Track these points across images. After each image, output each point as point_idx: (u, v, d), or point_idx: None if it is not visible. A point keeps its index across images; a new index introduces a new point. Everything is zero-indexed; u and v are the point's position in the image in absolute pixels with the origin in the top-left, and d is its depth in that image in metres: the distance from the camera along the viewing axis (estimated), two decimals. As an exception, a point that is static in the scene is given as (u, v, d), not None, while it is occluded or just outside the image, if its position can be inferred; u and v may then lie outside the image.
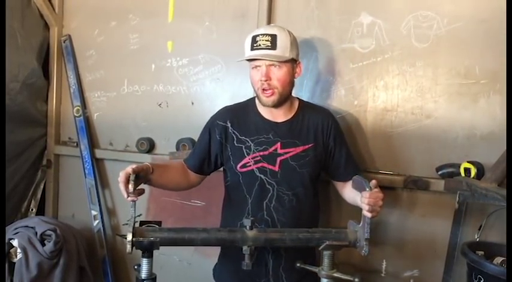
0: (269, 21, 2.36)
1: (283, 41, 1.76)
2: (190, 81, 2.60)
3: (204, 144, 1.93)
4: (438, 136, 2.10)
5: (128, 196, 1.55)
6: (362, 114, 2.23)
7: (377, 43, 2.18)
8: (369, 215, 1.51)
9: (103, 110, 2.87)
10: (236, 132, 1.87)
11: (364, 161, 2.23)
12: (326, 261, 1.55)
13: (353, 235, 1.57)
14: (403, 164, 2.16)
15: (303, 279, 1.83)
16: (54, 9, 2.88)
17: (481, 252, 1.84)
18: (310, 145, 1.86)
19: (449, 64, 2.06)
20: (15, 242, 2.37)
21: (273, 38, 1.75)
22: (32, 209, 2.98)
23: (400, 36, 2.14)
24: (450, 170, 2.04)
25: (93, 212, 2.82)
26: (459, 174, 1.99)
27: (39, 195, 3.00)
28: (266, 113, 1.88)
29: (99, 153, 2.85)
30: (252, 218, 1.55)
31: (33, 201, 2.99)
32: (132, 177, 1.53)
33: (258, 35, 1.78)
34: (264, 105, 1.83)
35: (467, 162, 1.98)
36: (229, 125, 1.89)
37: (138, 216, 2.76)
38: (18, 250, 2.35)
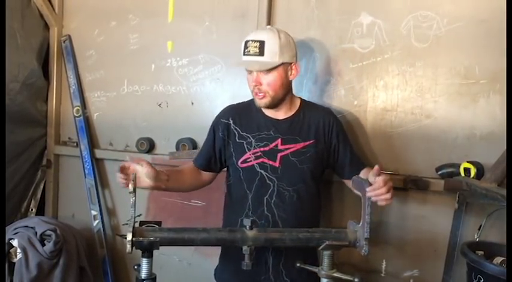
0: (269, 21, 2.36)
1: (271, 47, 1.78)
2: (190, 81, 2.60)
3: (209, 143, 1.99)
4: (438, 136, 2.10)
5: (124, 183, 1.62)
6: (362, 114, 2.23)
7: (377, 43, 2.18)
8: (383, 203, 1.57)
9: (103, 110, 2.87)
10: (238, 129, 1.91)
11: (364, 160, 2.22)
12: (326, 261, 1.55)
13: (353, 235, 1.57)
14: (403, 164, 2.16)
15: (303, 275, 1.83)
16: (54, 9, 2.88)
17: (480, 252, 1.84)
18: (311, 141, 1.88)
19: (449, 64, 2.06)
20: (15, 242, 2.37)
21: (261, 44, 1.78)
22: (32, 209, 2.98)
23: (400, 36, 2.14)
24: (450, 170, 2.04)
25: (93, 212, 2.82)
26: (459, 174, 1.99)
27: (39, 195, 3.00)
28: (267, 110, 1.92)
29: (99, 153, 2.85)
30: (251, 218, 1.55)
31: (33, 201, 2.99)
32: (133, 177, 1.53)
33: (248, 41, 1.83)
34: (258, 106, 1.89)
35: (467, 162, 1.98)
36: (231, 121, 1.93)
37: (138, 216, 2.76)
38: (18, 250, 2.35)
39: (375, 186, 1.53)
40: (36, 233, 2.42)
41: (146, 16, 2.69)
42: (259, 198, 1.86)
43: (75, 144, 2.91)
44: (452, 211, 1.99)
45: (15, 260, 2.35)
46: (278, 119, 1.90)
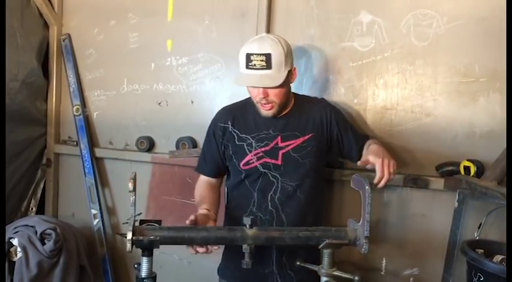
0: (269, 20, 2.36)
1: (277, 58, 1.74)
2: (189, 80, 2.60)
3: (213, 149, 1.97)
4: (438, 134, 2.10)
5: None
6: (362, 113, 2.23)
7: (377, 42, 2.18)
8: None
9: (103, 109, 2.87)
10: (237, 131, 1.91)
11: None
12: (326, 259, 1.55)
13: (353, 233, 1.57)
14: (403, 163, 2.16)
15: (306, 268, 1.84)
16: (53, 8, 2.88)
17: (480, 251, 1.84)
18: (310, 135, 1.89)
19: (449, 62, 2.06)
20: (15, 241, 2.37)
21: (268, 57, 1.72)
22: (32, 208, 2.98)
23: (400, 35, 2.13)
24: (450, 168, 2.04)
25: (93, 211, 2.82)
26: (459, 172, 1.99)
27: (39, 194, 3.00)
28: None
29: (99, 152, 2.85)
30: (252, 217, 1.55)
31: (33, 200, 2.99)
32: (132, 176, 1.53)
33: (252, 54, 1.74)
34: (263, 116, 1.86)
35: (467, 160, 1.97)
36: (229, 124, 1.92)
37: (138, 215, 2.75)
38: (18, 249, 2.35)
39: (379, 176, 1.63)
40: (36, 232, 2.42)
41: (146, 15, 2.69)
42: (264, 194, 1.87)
43: (75, 143, 2.91)
44: (452, 209, 1.99)
45: (15, 259, 2.35)
46: (276, 117, 1.89)
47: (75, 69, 2.88)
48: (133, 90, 2.76)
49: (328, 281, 1.55)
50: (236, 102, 2.05)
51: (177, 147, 2.59)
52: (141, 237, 1.44)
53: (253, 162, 1.87)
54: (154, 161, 2.70)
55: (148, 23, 2.69)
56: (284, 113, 1.91)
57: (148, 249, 1.48)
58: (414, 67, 2.12)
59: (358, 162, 1.75)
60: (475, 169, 1.94)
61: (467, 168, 1.96)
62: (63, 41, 2.91)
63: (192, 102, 2.61)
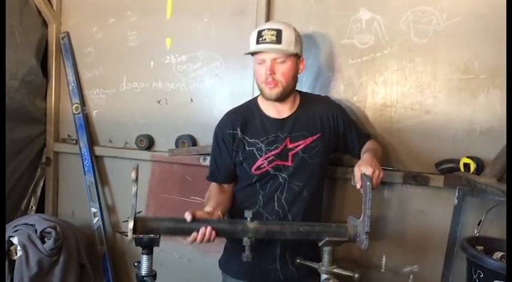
0: (268, 17, 2.36)
1: (288, 36, 1.78)
2: (189, 78, 2.60)
3: (225, 157, 1.93)
4: (437, 131, 2.09)
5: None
6: (361, 110, 2.23)
7: (376, 39, 2.18)
8: None
9: (102, 107, 2.87)
10: (246, 137, 1.89)
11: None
12: (326, 257, 1.56)
13: (353, 230, 1.57)
14: (403, 160, 2.16)
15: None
16: (52, 6, 2.88)
17: (480, 248, 1.84)
18: (318, 135, 1.89)
19: (449, 59, 2.06)
20: (15, 240, 2.37)
21: (279, 32, 1.77)
22: (32, 207, 2.99)
23: (399, 32, 2.13)
24: (449, 165, 2.03)
25: (93, 209, 2.83)
26: (458, 169, 1.99)
27: (38, 193, 3.01)
28: (271, 111, 1.91)
29: (98, 151, 2.85)
30: (252, 210, 1.55)
31: (32, 198, 3.00)
32: (135, 166, 1.52)
33: (263, 30, 1.80)
34: (267, 98, 1.85)
35: (467, 157, 1.97)
36: (238, 131, 1.89)
37: (139, 213, 2.77)
38: (18, 248, 2.35)
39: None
40: (36, 230, 2.42)
41: (145, 13, 2.69)
42: (270, 194, 1.87)
43: (74, 141, 2.91)
44: (452, 206, 1.99)
45: (15, 258, 2.35)
46: (283, 118, 1.89)
47: (74, 67, 2.88)
48: (132, 88, 2.75)
49: (328, 278, 1.55)
50: (240, 106, 2.02)
51: (177, 145, 2.59)
52: (141, 236, 1.44)
53: (264, 167, 1.85)
54: (153, 159, 2.70)
55: (148, 21, 2.68)
56: (292, 112, 1.91)
57: (148, 247, 1.48)
58: (414, 64, 2.12)
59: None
60: (475, 166, 1.94)
61: (467, 165, 1.96)
62: (62, 39, 2.90)
63: (192, 100, 2.61)
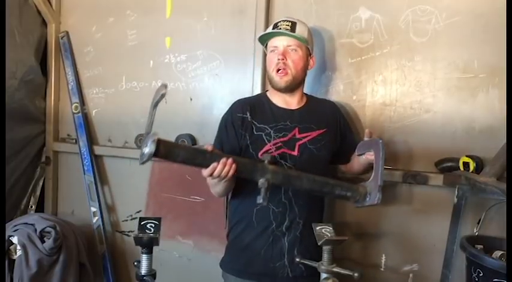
0: (267, 16, 2.36)
1: (302, 29, 1.90)
2: (188, 77, 2.60)
3: (232, 139, 1.90)
4: (437, 130, 2.09)
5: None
6: (361, 109, 2.23)
7: (375, 38, 2.18)
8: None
9: (101, 106, 2.87)
10: (255, 122, 1.89)
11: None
12: (325, 256, 1.56)
13: (364, 189, 1.65)
14: (402, 159, 2.16)
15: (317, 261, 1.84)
16: (51, 5, 2.88)
17: (480, 246, 1.84)
18: (324, 130, 1.92)
19: (448, 58, 2.06)
20: (14, 239, 2.37)
21: (293, 24, 1.89)
22: (32, 206, 2.98)
23: (399, 31, 2.13)
24: (449, 164, 2.04)
25: (93, 209, 2.82)
26: (458, 168, 1.99)
27: (38, 192, 3.00)
28: (280, 102, 1.95)
29: (98, 150, 2.85)
30: (271, 154, 1.55)
31: (32, 198, 2.99)
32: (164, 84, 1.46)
33: (279, 21, 1.92)
34: (276, 86, 1.90)
35: (466, 156, 1.98)
36: (248, 115, 1.90)
37: (138, 212, 2.78)
38: (18, 247, 2.35)
39: None
40: (35, 229, 2.42)
41: (144, 12, 2.69)
42: (278, 186, 1.84)
43: (74, 141, 2.91)
44: (452, 205, 1.99)
45: (15, 257, 2.35)
46: (292, 109, 1.93)
47: (73, 66, 2.88)
48: (132, 87, 2.75)
49: (328, 277, 1.55)
50: (249, 97, 2.08)
51: (176, 144, 2.59)
52: (140, 235, 1.44)
53: (272, 152, 1.84)
54: (153, 159, 2.68)
55: (147, 20, 2.68)
56: (300, 106, 1.95)
57: (148, 247, 1.48)
58: (413, 63, 2.12)
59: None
60: (474, 165, 1.94)
61: (466, 164, 1.96)
62: (62, 38, 2.90)
63: (191, 99, 2.61)
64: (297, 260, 1.74)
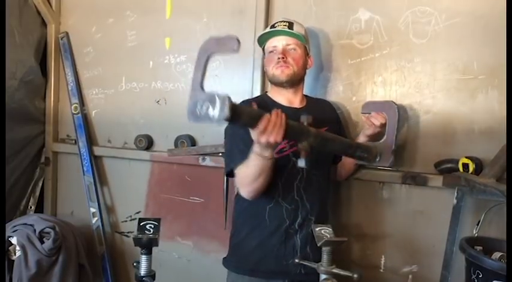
0: (267, 17, 2.36)
1: (299, 29, 1.93)
2: (188, 78, 2.60)
3: (246, 136, 1.77)
4: (436, 131, 2.09)
5: None
6: (360, 111, 2.23)
7: (375, 39, 2.18)
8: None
9: (101, 107, 2.87)
10: None
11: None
12: (325, 257, 1.55)
13: (375, 150, 1.75)
14: (401, 160, 2.16)
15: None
16: (51, 6, 2.88)
17: (479, 248, 1.84)
18: (326, 128, 1.90)
19: (448, 60, 2.06)
20: (14, 240, 2.37)
21: (291, 23, 1.92)
22: (31, 207, 2.98)
23: (398, 32, 2.13)
24: (448, 165, 2.03)
25: (92, 209, 2.82)
26: (457, 169, 1.99)
27: (37, 193, 3.00)
28: (284, 101, 1.95)
29: (97, 151, 2.85)
30: (308, 116, 1.55)
31: (31, 198, 2.99)
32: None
33: (276, 22, 1.95)
34: (278, 80, 1.91)
35: (466, 157, 1.97)
36: None
37: (137, 213, 2.78)
38: (17, 248, 2.35)
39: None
40: (35, 230, 2.42)
41: (144, 13, 2.69)
42: (290, 184, 1.86)
43: (73, 141, 2.90)
44: (451, 207, 1.99)
45: (14, 258, 2.35)
46: (297, 108, 1.94)
47: (73, 67, 2.88)
48: (131, 88, 2.75)
49: (327, 279, 1.55)
50: (251, 98, 2.09)
51: (176, 145, 2.59)
52: (140, 236, 1.44)
53: (286, 150, 1.83)
54: (153, 159, 2.70)
55: (147, 21, 2.68)
56: (303, 105, 1.97)
57: (147, 247, 1.47)
58: (413, 64, 2.12)
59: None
60: (474, 166, 1.94)
61: (465, 166, 1.96)
62: (61, 39, 2.90)
63: (191, 100, 2.60)
64: (296, 261, 1.74)
